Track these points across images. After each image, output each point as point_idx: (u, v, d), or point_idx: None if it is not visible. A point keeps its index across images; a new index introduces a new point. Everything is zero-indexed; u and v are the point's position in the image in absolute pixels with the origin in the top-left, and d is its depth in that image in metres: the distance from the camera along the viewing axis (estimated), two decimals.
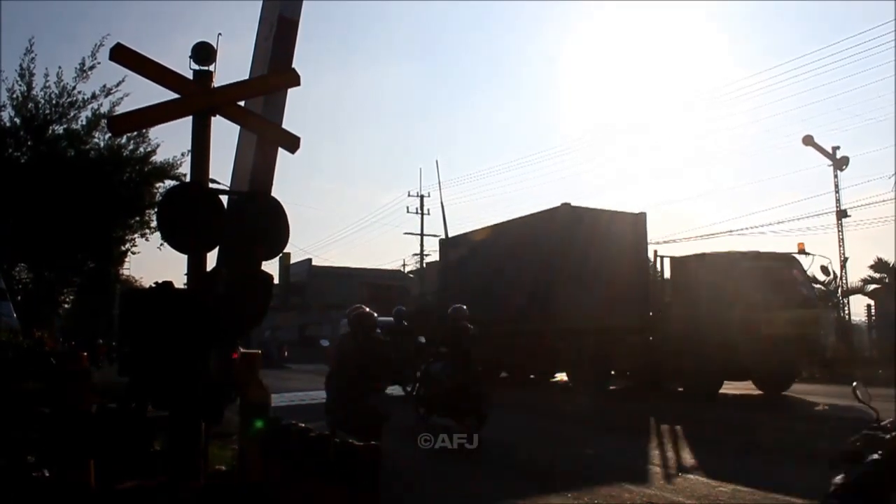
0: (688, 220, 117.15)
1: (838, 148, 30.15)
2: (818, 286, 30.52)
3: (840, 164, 29.94)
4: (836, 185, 30.10)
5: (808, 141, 30.15)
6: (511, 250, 19.57)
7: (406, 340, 15.00)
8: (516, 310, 18.66)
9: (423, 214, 48.10)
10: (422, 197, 47.67)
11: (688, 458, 8.59)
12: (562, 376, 19.32)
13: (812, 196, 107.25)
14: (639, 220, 18.73)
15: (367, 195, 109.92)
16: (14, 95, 16.85)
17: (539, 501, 6.66)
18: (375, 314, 8.43)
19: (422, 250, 49.73)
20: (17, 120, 17.10)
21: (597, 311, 16.92)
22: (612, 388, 17.89)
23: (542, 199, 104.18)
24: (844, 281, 29.71)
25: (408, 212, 48.73)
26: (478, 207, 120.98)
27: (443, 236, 42.83)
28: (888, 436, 3.26)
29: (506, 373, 20.39)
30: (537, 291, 18.15)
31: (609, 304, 17.12)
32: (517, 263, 19.19)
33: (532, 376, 19.80)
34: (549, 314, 17.63)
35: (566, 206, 18.14)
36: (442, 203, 39.78)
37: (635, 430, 10.76)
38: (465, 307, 10.40)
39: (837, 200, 30.06)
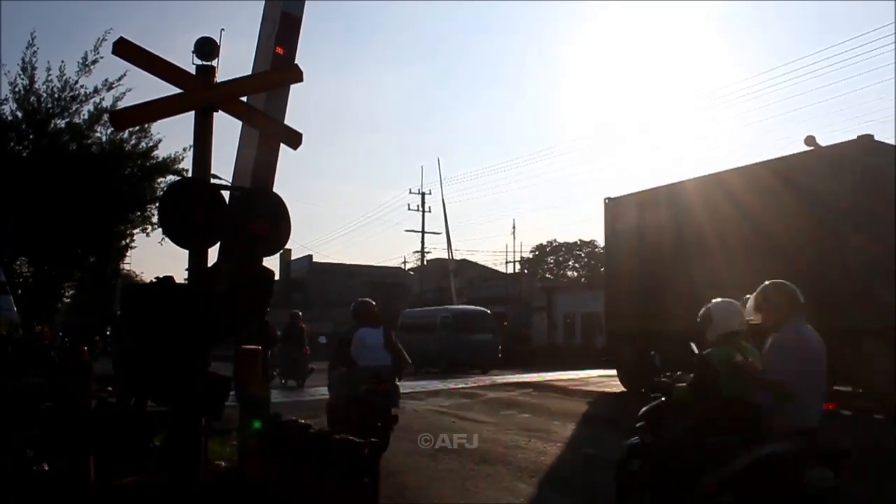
0: None
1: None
2: None
3: None
4: None
5: (810, 141, 30.01)
6: (747, 208, 13.83)
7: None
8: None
9: (424, 212, 48.18)
10: (423, 194, 47.77)
11: None
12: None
13: None
14: None
15: (369, 192, 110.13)
16: (16, 89, 16.87)
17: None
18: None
19: (423, 247, 49.86)
20: (20, 113, 17.10)
21: None
22: None
23: (545, 198, 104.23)
24: None
25: (409, 209, 48.85)
26: (478, 206, 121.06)
27: (444, 234, 43.12)
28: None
29: None
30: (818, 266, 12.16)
31: None
32: (764, 227, 13.34)
33: None
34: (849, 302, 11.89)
35: (867, 138, 12.86)
36: (443, 200, 39.97)
37: None
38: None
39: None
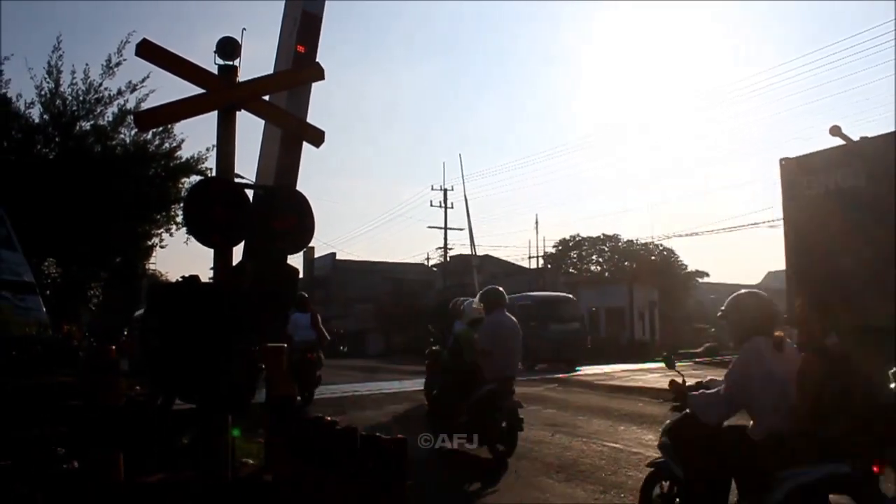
0: (711, 215, 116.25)
1: (866, 138, 29.75)
2: None
3: None
4: None
5: (836, 131, 29.55)
6: None
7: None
8: None
9: (446, 208, 48.15)
10: (445, 191, 47.77)
11: None
12: None
13: None
14: None
15: (390, 189, 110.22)
16: (42, 92, 17.09)
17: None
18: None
19: (445, 244, 49.83)
20: (46, 116, 17.34)
21: None
22: None
23: (567, 193, 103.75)
24: None
25: (431, 206, 48.85)
26: (499, 201, 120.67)
27: (466, 230, 43.04)
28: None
29: None
30: None
31: None
32: None
33: None
34: None
35: None
36: (465, 196, 39.72)
37: None
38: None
39: None
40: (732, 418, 4.57)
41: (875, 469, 3.78)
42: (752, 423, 4.37)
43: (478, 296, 9.29)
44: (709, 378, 5.09)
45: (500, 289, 9.02)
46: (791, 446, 4.00)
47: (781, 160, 16.82)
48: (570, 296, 26.25)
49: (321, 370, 12.92)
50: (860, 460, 3.77)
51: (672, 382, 4.99)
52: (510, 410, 8.01)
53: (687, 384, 4.89)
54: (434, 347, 11.71)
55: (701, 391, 4.72)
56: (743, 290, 4.76)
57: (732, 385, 4.37)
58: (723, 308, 4.71)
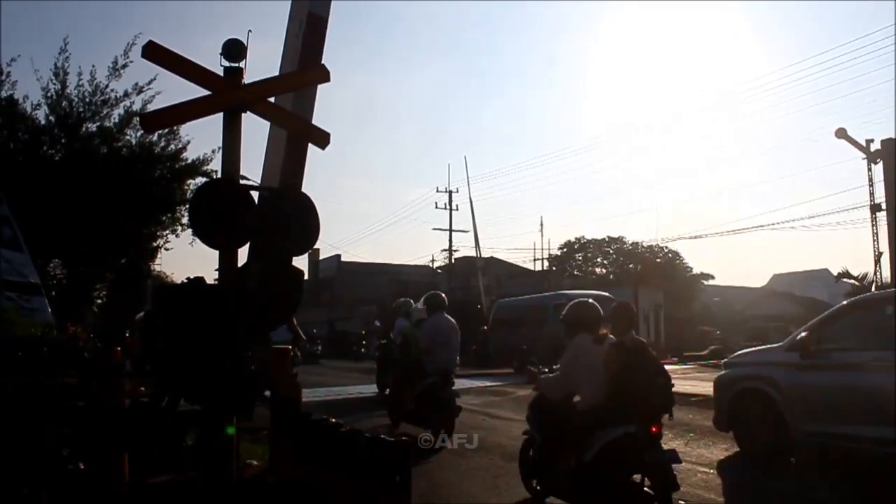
0: (715, 217, 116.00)
1: (872, 141, 29.67)
2: (851, 281, 30.20)
3: (874, 157, 29.46)
4: (871, 179, 29.63)
5: (842, 134, 29.68)
6: None
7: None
8: None
9: (451, 210, 48.14)
10: (450, 193, 47.73)
11: (720, 454, 8.51)
12: None
13: (845, 190, 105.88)
14: None
15: (396, 191, 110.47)
16: (49, 94, 17.14)
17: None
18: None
19: (450, 246, 49.83)
20: (52, 118, 17.39)
21: None
22: None
23: (571, 195, 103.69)
24: (879, 276, 29.25)
25: (436, 207, 48.85)
26: (504, 204, 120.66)
27: (471, 232, 43.01)
28: None
29: None
30: None
31: None
32: None
33: None
34: None
35: None
36: (471, 198, 39.76)
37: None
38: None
39: (871, 194, 29.59)
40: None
41: (653, 430, 5.30)
42: (578, 398, 5.89)
43: (422, 299, 10.73)
44: (556, 366, 6.34)
45: (442, 294, 10.56)
46: (602, 414, 5.45)
47: (882, 140, 15.57)
48: (609, 294, 24.35)
49: (297, 369, 13.58)
50: (643, 424, 5.25)
51: (528, 370, 6.78)
52: (449, 399, 9.33)
53: (539, 370, 6.54)
54: (382, 341, 14.35)
55: (546, 375, 6.36)
56: (579, 299, 6.45)
57: (563, 370, 6.05)
58: (563, 311, 6.27)
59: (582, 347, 5.87)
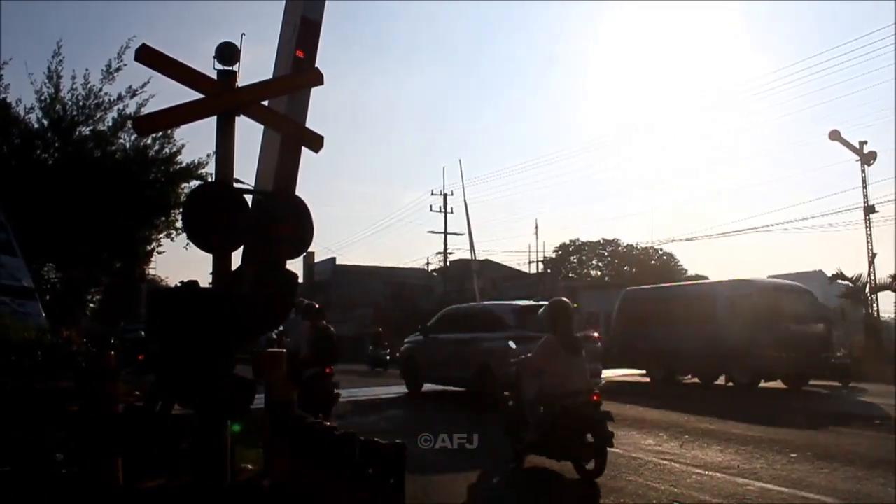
0: (710, 219, 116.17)
1: (865, 143, 29.80)
2: (846, 282, 30.27)
3: (867, 158, 29.61)
4: (864, 181, 29.75)
5: (835, 136, 29.81)
6: None
7: None
8: None
9: (446, 213, 48.16)
10: (445, 195, 47.75)
11: (715, 455, 8.52)
12: None
13: (839, 192, 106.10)
14: None
15: (390, 194, 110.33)
16: (42, 97, 17.09)
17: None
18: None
19: (445, 248, 49.82)
20: (45, 122, 17.33)
21: None
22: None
23: (566, 198, 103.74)
24: (872, 277, 29.35)
25: (431, 210, 48.86)
26: (500, 206, 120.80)
27: (466, 234, 43.03)
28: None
29: None
30: None
31: None
32: None
33: None
34: None
35: None
36: (465, 201, 39.80)
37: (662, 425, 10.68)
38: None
39: (865, 196, 29.73)
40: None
41: (595, 398, 7.34)
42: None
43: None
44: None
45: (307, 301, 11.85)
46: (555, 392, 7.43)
47: None
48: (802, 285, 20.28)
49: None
50: (587, 394, 7.35)
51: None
52: (330, 391, 10.47)
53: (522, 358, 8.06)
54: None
55: (524, 364, 7.90)
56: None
57: (534, 363, 7.66)
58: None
59: (547, 346, 7.63)
